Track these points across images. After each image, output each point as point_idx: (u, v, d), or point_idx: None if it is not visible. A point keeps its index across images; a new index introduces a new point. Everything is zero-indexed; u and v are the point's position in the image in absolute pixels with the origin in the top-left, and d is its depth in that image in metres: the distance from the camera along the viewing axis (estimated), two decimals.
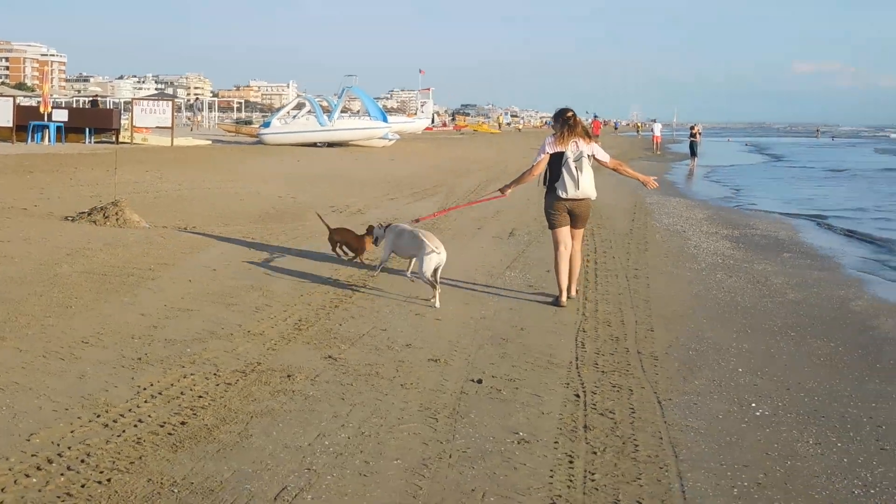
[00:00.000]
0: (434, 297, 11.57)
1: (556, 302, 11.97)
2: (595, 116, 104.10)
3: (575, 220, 12.16)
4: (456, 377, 8.59)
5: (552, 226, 12.15)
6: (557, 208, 12.00)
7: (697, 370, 9.24)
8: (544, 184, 12.15)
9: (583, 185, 11.90)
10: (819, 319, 11.88)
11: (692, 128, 57.49)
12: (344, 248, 14.33)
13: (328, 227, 14.57)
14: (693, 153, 54.16)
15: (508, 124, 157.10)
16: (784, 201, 31.41)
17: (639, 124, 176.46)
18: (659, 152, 65.80)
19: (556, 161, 11.90)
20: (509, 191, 12.61)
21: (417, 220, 13.18)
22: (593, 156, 12.05)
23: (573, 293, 12.29)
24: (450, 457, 6.63)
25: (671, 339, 10.39)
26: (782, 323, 11.55)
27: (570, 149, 11.86)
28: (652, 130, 76.09)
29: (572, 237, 12.19)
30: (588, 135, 12.10)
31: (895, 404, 8.49)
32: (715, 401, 8.28)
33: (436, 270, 11.63)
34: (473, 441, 6.97)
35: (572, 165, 11.80)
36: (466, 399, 7.97)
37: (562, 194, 11.89)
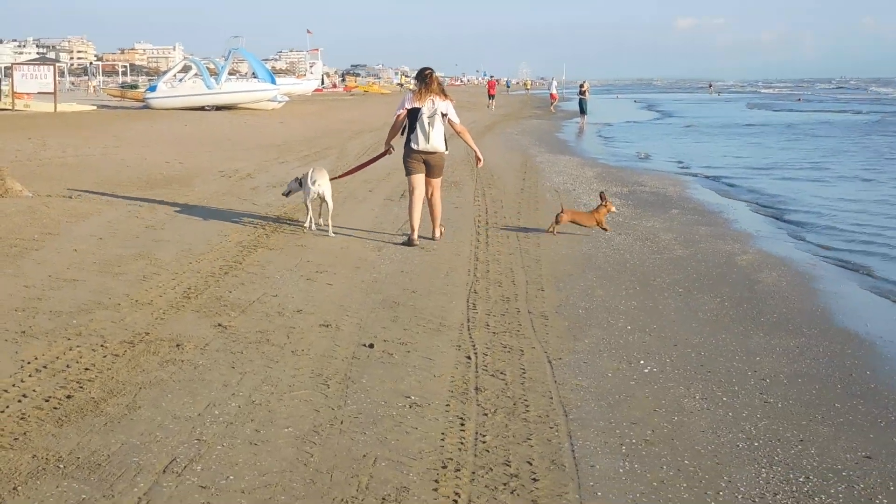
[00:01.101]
0: (307, 222, 14.01)
1: (409, 241, 13.25)
2: (491, 76, 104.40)
3: (430, 170, 13.35)
4: (347, 342, 8.56)
5: (407, 173, 13.42)
6: (412, 158, 13.21)
7: (587, 329, 9.34)
8: (402, 135, 13.33)
9: (433, 139, 12.98)
10: (706, 275, 12.10)
11: (581, 85, 57.81)
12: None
13: None
14: (582, 111, 54.51)
15: (399, 84, 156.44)
16: (672, 157, 31.81)
17: (528, 82, 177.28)
18: (554, 111, 66.18)
19: (414, 116, 13.02)
20: (391, 145, 13.97)
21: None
22: (447, 115, 13.17)
23: (437, 235, 13.66)
24: (341, 423, 6.61)
25: (561, 299, 10.49)
26: (670, 279, 11.73)
27: (426, 106, 12.99)
28: (549, 88, 76.47)
29: (430, 185, 13.44)
30: (444, 93, 13.25)
31: (778, 357, 8.70)
32: (604, 359, 8.39)
33: (317, 201, 13.86)
34: (365, 406, 6.95)
35: (426, 121, 12.90)
36: (358, 364, 7.94)
37: (414, 146, 13.08)
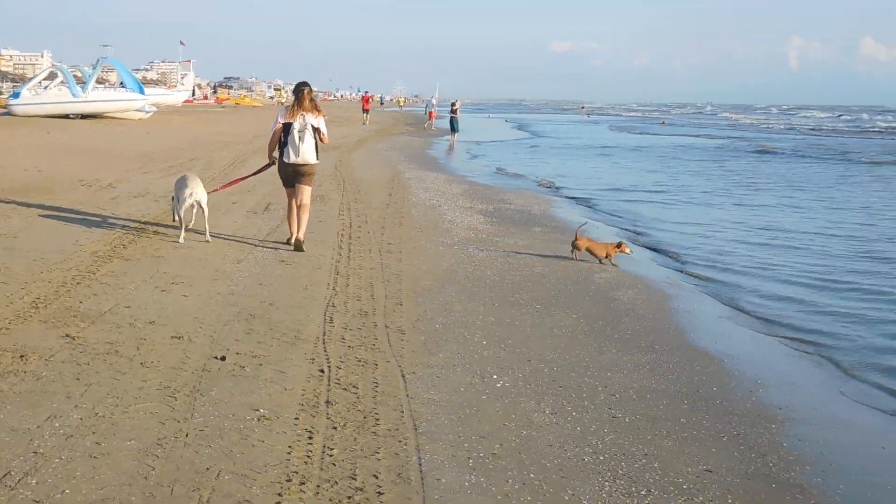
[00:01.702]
0: (181, 236, 13.87)
1: (289, 242, 14.08)
2: (365, 92, 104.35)
3: (301, 178, 13.93)
4: (199, 354, 8.41)
5: (284, 184, 14.16)
6: (286, 170, 13.89)
7: (443, 343, 9.36)
8: (279, 147, 13.88)
9: (303, 152, 13.62)
10: (564, 292, 12.25)
11: (453, 104, 58.17)
12: None
13: None
14: (453, 129, 54.77)
15: (272, 98, 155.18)
16: (538, 176, 32.15)
17: (402, 99, 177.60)
18: (433, 129, 66.24)
19: (286, 131, 13.67)
20: (274, 157, 14.21)
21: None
22: (318, 129, 13.75)
23: (301, 237, 13.99)
24: (186, 436, 6.49)
25: (419, 313, 10.50)
26: (528, 296, 11.84)
27: (298, 120, 13.60)
28: (427, 107, 76.59)
29: (301, 191, 13.97)
30: (317, 108, 13.80)
31: (629, 373, 8.85)
32: (458, 373, 8.41)
33: (190, 209, 14.01)
34: (212, 419, 6.84)
35: (296, 135, 13.55)
36: (208, 377, 7.81)
37: (286, 159, 13.73)
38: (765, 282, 14.17)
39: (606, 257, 14.57)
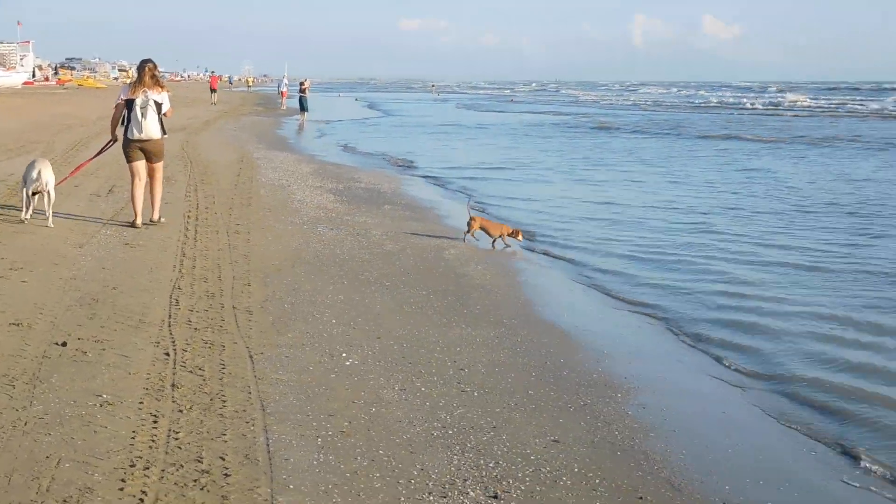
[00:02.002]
0: (25, 212, 13.65)
1: (133, 224, 13.85)
2: (212, 72, 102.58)
3: (149, 156, 13.93)
4: (39, 341, 8.16)
5: (127, 160, 13.98)
6: (130, 147, 13.80)
7: (292, 323, 9.28)
8: (122, 125, 13.83)
9: (146, 128, 13.62)
10: (414, 268, 12.28)
11: (301, 83, 57.71)
12: None
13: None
14: (303, 108, 54.35)
15: (116, 79, 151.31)
16: (390, 154, 32.10)
17: (251, 79, 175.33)
18: (285, 108, 65.44)
19: (129, 107, 13.65)
20: (117, 135, 14.29)
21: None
22: (162, 104, 13.83)
23: (155, 217, 14.20)
24: (25, 424, 6.28)
25: (268, 293, 10.39)
26: (378, 273, 11.83)
27: (140, 97, 13.59)
28: (279, 86, 75.72)
29: (151, 171, 14.04)
30: (159, 84, 13.88)
31: (478, 347, 8.93)
32: (307, 352, 8.36)
33: (36, 193, 13.64)
34: (52, 406, 6.64)
35: (139, 111, 13.57)
36: (49, 363, 7.58)
37: (130, 136, 13.69)
38: (609, 256, 14.40)
39: (500, 236, 14.66)
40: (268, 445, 6.21)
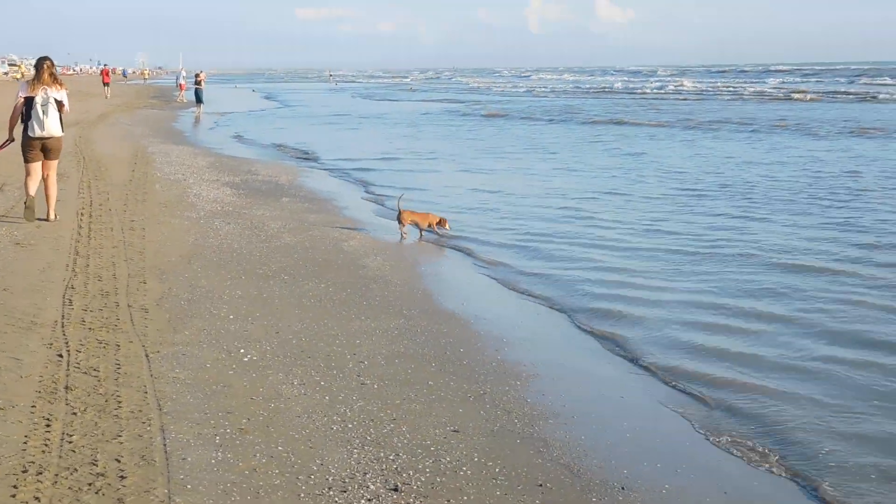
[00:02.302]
0: None
1: (26, 205, 13.88)
2: (105, 65, 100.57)
3: (48, 154, 13.96)
4: None
5: (25, 160, 13.96)
6: (31, 145, 13.79)
7: (189, 320, 9.17)
8: (23, 122, 13.73)
9: (48, 125, 13.61)
10: (313, 261, 12.22)
11: (197, 75, 56.86)
12: None
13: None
14: (199, 100, 53.64)
15: (6, 73, 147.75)
16: (288, 146, 31.81)
17: (146, 71, 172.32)
18: (183, 101, 64.38)
19: (29, 105, 13.57)
20: (14, 134, 14.11)
21: None
22: (61, 101, 13.79)
23: (51, 216, 14.06)
24: None
25: (164, 291, 10.24)
26: (277, 267, 11.75)
27: (40, 94, 13.56)
28: (177, 79, 74.47)
29: (47, 167, 14.03)
30: (58, 82, 13.86)
31: (378, 339, 8.92)
32: (204, 350, 8.27)
33: None
34: None
35: (39, 109, 13.52)
36: None
37: (31, 133, 13.64)
38: (504, 245, 14.27)
39: (429, 227, 14.72)
40: (165, 445, 6.13)
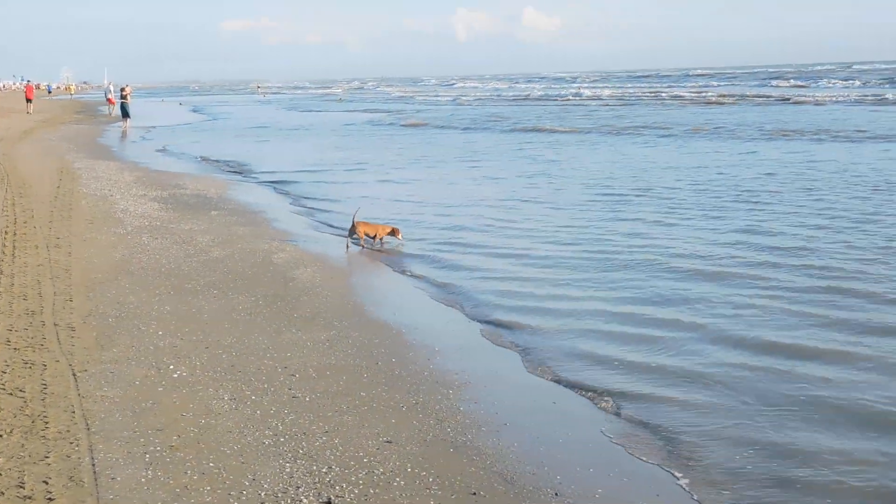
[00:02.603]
0: None
1: None
2: (28, 81, 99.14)
3: None
4: None
5: None
6: None
7: (117, 337, 9.07)
8: None
9: None
10: (242, 275, 12.13)
11: (122, 89, 56.22)
12: None
13: None
14: (125, 114, 53.01)
15: None
16: (216, 159, 31.50)
17: (71, 86, 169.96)
18: (113, 115, 63.38)
19: None
20: None
21: None
22: None
23: None
24: None
25: (91, 308, 10.12)
26: (206, 281, 11.66)
27: None
28: (106, 93, 73.34)
29: None
30: None
31: (309, 352, 8.89)
32: (133, 367, 8.18)
33: None
34: None
35: None
36: None
37: None
38: (430, 255, 14.19)
39: (382, 236, 14.89)
40: (93, 465, 6.06)
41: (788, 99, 68.06)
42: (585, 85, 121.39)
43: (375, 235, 14.90)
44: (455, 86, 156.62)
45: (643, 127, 44.63)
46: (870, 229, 15.24)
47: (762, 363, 8.88)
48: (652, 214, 17.80)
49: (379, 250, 14.62)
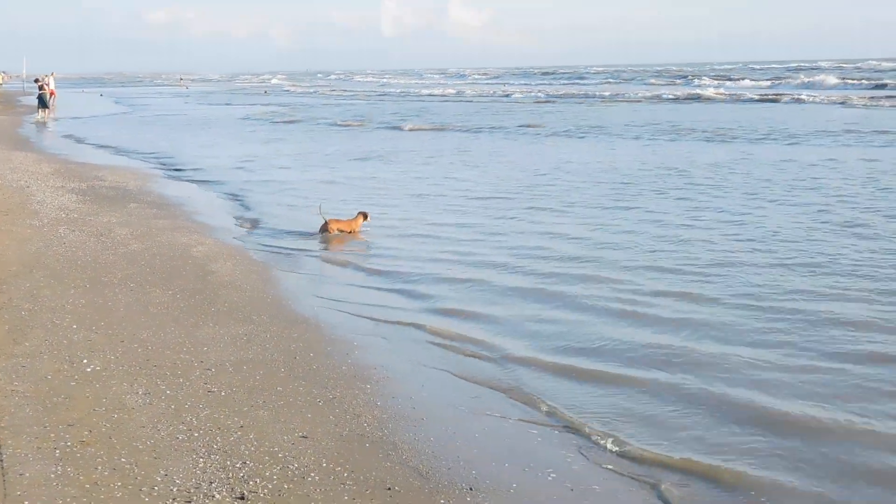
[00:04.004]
0: None
1: None
2: None
3: None
4: None
5: None
6: None
7: (29, 331, 8.92)
8: None
9: None
10: (160, 268, 12.00)
11: (37, 80, 55.35)
12: None
13: None
14: (44, 105, 52.11)
15: None
16: (138, 151, 31.05)
17: (2, 76, 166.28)
18: (52, 108, 61.75)
19: None
20: None
21: None
22: None
23: None
24: None
25: (3, 301, 9.95)
26: (122, 274, 11.51)
27: None
28: (47, 85, 71.54)
29: None
30: None
31: (226, 346, 8.82)
32: (45, 361, 8.05)
33: None
34: None
35: None
36: None
37: None
38: (348, 246, 14.27)
39: (359, 228, 15.22)
40: (1, 461, 5.96)
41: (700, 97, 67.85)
42: (505, 81, 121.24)
43: (352, 231, 15.13)
44: (350, 81, 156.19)
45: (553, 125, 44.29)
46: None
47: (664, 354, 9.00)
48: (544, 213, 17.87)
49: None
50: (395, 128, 42.87)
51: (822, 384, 8.18)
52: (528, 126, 41.64)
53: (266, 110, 62.74)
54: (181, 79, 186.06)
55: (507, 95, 79.63)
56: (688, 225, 15.75)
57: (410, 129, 41.77)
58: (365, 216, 15.32)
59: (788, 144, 30.69)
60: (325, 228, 15.07)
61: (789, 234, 14.51)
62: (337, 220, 15.23)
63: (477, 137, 36.97)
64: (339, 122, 47.50)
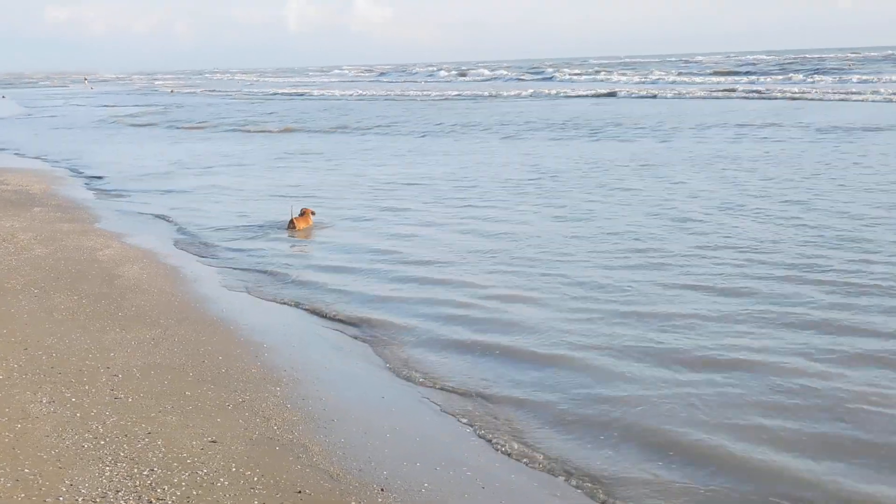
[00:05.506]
0: None
1: None
2: None
3: None
4: None
5: None
6: None
7: None
8: None
9: None
10: (65, 273, 11.79)
11: None
12: None
13: None
14: None
15: None
16: (41, 154, 30.44)
17: None
18: None
19: None
20: None
21: None
22: None
23: None
24: None
25: None
26: (26, 280, 11.30)
27: None
28: None
29: None
30: None
31: (133, 351, 8.70)
32: None
33: None
34: None
35: None
36: None
37: None
38: (256, 250, 14.11)
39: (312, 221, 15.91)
40: None
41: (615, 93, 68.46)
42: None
43: (308, 225, 15.80)
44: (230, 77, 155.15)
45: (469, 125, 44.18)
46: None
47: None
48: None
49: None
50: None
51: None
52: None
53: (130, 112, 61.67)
54: (85, 79, 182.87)
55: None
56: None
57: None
58: (312, 212, 16.08)
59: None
60: (291, 225, 15.60)
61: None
62: (299, 219, 15.76)
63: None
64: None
